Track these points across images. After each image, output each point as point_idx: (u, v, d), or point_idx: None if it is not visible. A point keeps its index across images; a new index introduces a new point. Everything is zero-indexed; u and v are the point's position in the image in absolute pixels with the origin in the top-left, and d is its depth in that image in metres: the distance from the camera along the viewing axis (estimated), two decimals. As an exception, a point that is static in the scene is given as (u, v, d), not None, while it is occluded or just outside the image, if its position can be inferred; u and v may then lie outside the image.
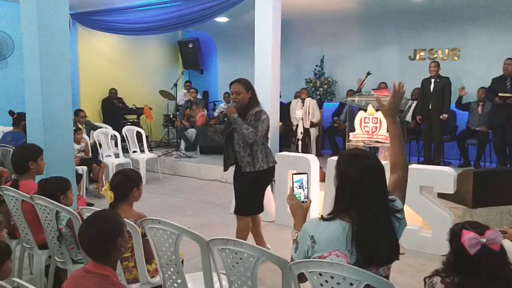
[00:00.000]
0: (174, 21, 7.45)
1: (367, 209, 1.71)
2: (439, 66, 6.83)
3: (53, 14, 4.02)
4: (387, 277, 1.78)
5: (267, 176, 3.81)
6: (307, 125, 6.93)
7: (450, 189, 4.17)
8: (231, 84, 3.77)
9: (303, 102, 7.77)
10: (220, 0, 6.64)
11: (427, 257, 3.98)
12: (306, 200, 2.08)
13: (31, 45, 3.99)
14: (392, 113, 2.03)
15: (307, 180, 2.12)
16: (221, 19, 8.38)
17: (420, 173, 4.29)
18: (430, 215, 4.24)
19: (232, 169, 3.89)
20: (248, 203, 3.78)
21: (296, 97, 8.35)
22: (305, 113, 6.90)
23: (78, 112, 7.24)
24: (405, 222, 1.84)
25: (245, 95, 3.70)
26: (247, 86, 3.74)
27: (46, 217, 2.88)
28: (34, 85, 4.00)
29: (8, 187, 3.11)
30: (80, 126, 7.18)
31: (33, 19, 3.92)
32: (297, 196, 2.06)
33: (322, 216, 1.82)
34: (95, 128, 7.52)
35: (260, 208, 3.90)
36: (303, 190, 2.09)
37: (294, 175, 2.11)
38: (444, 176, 4.17)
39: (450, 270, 1.71)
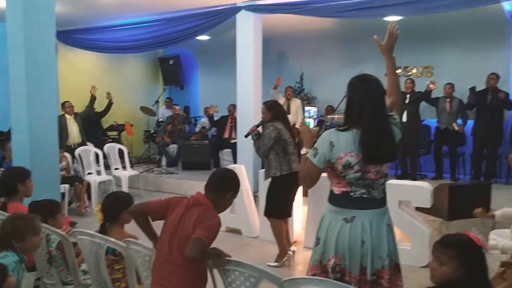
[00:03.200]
0: (156, 40, 7.53)
1: (370, 119, 2.16)
2: (414, 83, 7.13)
3: (40, 37, 4.08)
4: (386, 175, 2.26)
5: (281, 183, 4.30)
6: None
7: (427, 204, 4.35)
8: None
9: (288, 101, 7.88)
10: (203, 20, 6.78)
11: (407, 269, 4.08)
12: (314, 128, 2.46)
13: (18, 68, 4.04)
14: (389, 50, 2.51)
15: (317, 112, 2.51)
16: (203, 37, 8.50)
17: (399, 188, 4.46)
18: (408, 229, 4.41)
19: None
20: (269, 206, 4.41)
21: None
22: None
23: (64, 104, 7.30)
24: (399, 132, 2.30)
25: (267, 115, 4.34)
26: (270, 107, 4.38)
27: (37, 239, 2.90)
28: (20, 107, 4.03)
29: (-3, 210, 3.13)
30: (69, 117, 7.20)
31: (20, 43, 3.97)
32: (307, 124, 2.45)
33: (339, 127, 2.25)
34: (85, 115, 7.74)
35: (279, 213, 4.39)
36: (313, 120, 2.51)
37: (305, 107, 2.51)
38: (421, 191, 4.36)
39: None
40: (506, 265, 2.56)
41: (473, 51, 7.65)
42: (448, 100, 7.07)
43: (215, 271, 2.20)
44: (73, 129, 7.32)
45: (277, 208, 4.37)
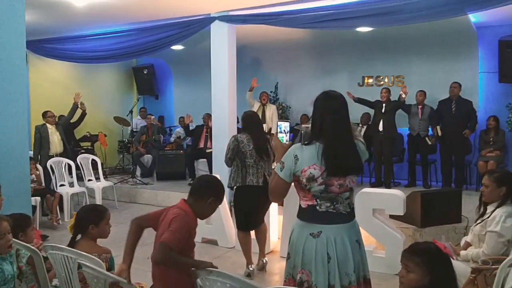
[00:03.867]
0: (129, 50, 7.46)
1: (331, 133, 2.22)
2: (389, 92, 7.30)
3: (10, 48, 3.98)
4: (351, 189, 2.29)
5: (238, 195, 4.40)
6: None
7: (400, 211, 4.42)
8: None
9: (263, 106, 7.94)
10: (176, 30, 6.76)
11: (382, 277, 4.18)
12: (286, 142, 2.47)
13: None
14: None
15: (288, 127, 2.52)
16: (177, 46, 8.49)
17: (372, 196, 4.54)
18: (383, 236, 4.47)
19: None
20: (233, 217, 4.55)
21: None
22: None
23: (45, 113, 7.15)
24: (365, 150, 2.36)
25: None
26: (241, 118, 4.50)
27: (6, 255, 2.82)
28: (-11, 118, 3.92)
29: (-36, 226, 3.02)
30: (50, 126, 7.05)
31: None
32: (280, 138, 2.46)
33: (304, 142, 2.32)
34: (65, 123, 7.66)
35: (238, 225, 4.46)
36: (285, 134, 2.51)
37: (278, 122, 2.52)
38: (394, 199, 4.43)
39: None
40: (476, 272, 2.63)
41: (441, 61, 7.88)
42: (420, 107, 7.22)
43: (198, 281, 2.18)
44: (55, 139, 7.18)
45: (237, 220, 4.46)
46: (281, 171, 2.28)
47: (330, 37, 7.90)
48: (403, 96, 7.07)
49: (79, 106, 7.81)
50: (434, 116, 7.12)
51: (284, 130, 2.31)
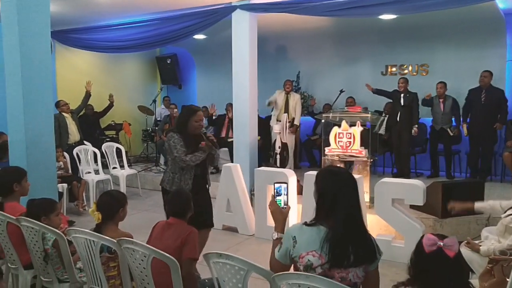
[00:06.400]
0: (152, 40, 7.55)
1: (341, 218, 1.97)
2: (407, 82, 7.12)
3: (35, 37, 4.11)
4: (355, 284, 1.97)
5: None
6: (285, 140, 7.12)
7: (420, 201, 4.39)
8: (198, 111, 3.82)
9: (287, 95, 7.90)
10: (198, 19, 6.80)
11: (400, 267, 4.17)
12: (285, 206, 2.33)
13: (13, 68, 4.07)
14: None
15: (287, 189, 2.36)
16: (199, 36, 8.53)
17: (392, 186, 4.52)
18: (402, 226, 4.46)
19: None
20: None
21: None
22: (283, 128, 7.09)
23: (58, 103, 7.28)
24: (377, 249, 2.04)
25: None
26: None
27: (32, 238, 2.95)
28: (16, 107, 4.06)
29: (-6, 209, 3.17)
30: (66, 115, 7.23)
31: (15, 42, 4.00)
32: (278, 202, 2.31)
33: (305, 222, 2.07)
34: (78, 111, 7.78)
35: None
36: (283, 197, 2.34)
37: (275, 184, 2.35)
38: (414, 189, 4.40)
39: (413, 280, 1.86)
40: (494, 262, 2.61)
41: (467, 49, 7.68)
42: (441, 100, 7.06)
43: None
44: (72, 127, 7.36)
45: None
46: (278, 251, 2.09)
47: (353, 25, 7.79)
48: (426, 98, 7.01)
49: (90, 93, 7.98)
50: (456, 107, 6.97)
51: (282, 193, 2.16)
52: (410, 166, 7.30)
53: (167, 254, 2.38)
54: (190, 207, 2.94)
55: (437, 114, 7.11)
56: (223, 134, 8.45)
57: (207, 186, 3.98)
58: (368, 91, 7.51)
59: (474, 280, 2.57)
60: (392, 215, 4.46)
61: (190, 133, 3.75)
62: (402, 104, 7.07)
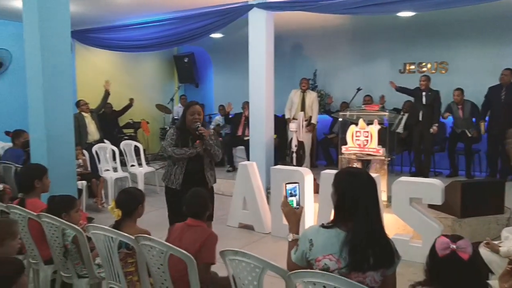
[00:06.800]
0: (170, 39, 7.61)
1: (361, 221, 1.93)
2: (429, 80, 7.01)
3: (55, 37, 4.19)
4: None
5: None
6: (301, 138, 7.09)
7: (438, 201, 4.33)
8: (193, 105, 3.88)
9: (303, 93, 7.87)
10: (215, 18, 6.83)
11: (417, 266, 4.09)
12: (298, 206, 2.29)
13: (34, 67, 4.15)
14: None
15: (299, 189, 2.32)
16: (216, 35, 8.56)
17: (410, 185, 4.47)
18: (420, 226, 4.40)
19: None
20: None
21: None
22: (299, 127, 7.06)
23: (78, 103, 7.41)
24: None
25: (203, 116, 4.10)
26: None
27: (53, 234, 3.01)
28: (37, 106, 4.15)
29: (16, 206, 3.24)
30: (86, 115, 7.36)
31: (37, 42, 4.08)
32: (290, 203, 2.27)
33: (323, 224, 2.04)
34: (97, 110, 7.89)
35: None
36: (295, 197, 2.29)
37: (286, 184, 2.31)
38: (432, 188, 4.34)
39: (430, 281, 1.84)
40: (514, 262, 2.56)
41: (488, 46, 7.55)
42: (459, 106, 7.02)
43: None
44: (91, 127, 7.47)
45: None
46: (294, 253, 2.08)
47: (370, 22, 7.73)
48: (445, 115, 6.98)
49: (109, 92, 8.13)
50: (476, 110, 6.89)
51: (295, 193, 2.14)
52: (433, 165, 7.20)
53: (184, 251, 2.40)
54: (208, 207, 2.95)
55: (457, 120, 7.09)
56: (240, 132, 8.48)
57: (208, 184, 3.93)
58: (386, 89, 7.43)
59: (494, 281, 2.53)
60: (409, 214, 4.42)
61: (188, 129, 3.80)
62: (424, 102, 6.97)
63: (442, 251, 1.74)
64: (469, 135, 6.87)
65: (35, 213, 3.09)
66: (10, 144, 6.30)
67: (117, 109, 9.12)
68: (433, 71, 8.02)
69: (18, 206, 3.22)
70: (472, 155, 7.05)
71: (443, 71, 7.92)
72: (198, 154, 3.82)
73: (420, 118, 7.03)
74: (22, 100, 4.50)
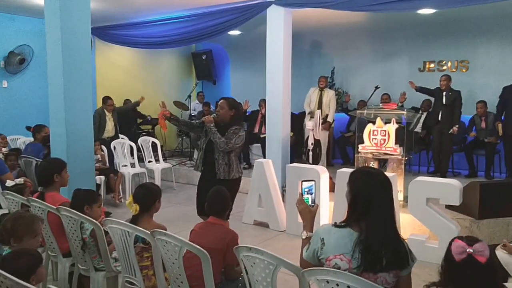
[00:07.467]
0: (189, 35, 7.65)
1: (375, 222, 1.92)
2: (450, 80, 6.87)
3: (76, 33, 4.26)
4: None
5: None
6: (318, 136, 7.07)
7: (456, 201, 4.28)
8: (219, 101, 4.25)
9: (321, 91, 7.85)
10: (234, 15, 6.84)
11: (433, 267, 4.04)
12: (313, 204, 2.29)
13: (55, 63, 4.23)
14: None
15: (315, 187, 2.33)
16: (234, 32, 8.59)
17: (427, 185, 4.42)
18: (436, 226, 4.36)
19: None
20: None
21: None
22: (316, 125, 7.04)
23: (106, 100, 7.57)
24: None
25: (226, 112, 4.15)
26: (231, 105, 4.19)
27: (71, 227, 3.08)
28: (58, 101, 4.23)
29: (35, 199, 3.32)
30: (107, 113, 7.49)
31: (58, 39, 4.16)
32: (305, 200, 2.27)
33: (335, 223, 2.03)
34: (122, 111, 8.19)
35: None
36: (311, 195, 2.30)
37: (303, 182, 2.32)
38: (450, 189, 4.29)
39: (445, 283, 1.82)
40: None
41: (509, 45, 7.38)
42: (483, 118, 6.96)
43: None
44: (109, 124, 7.59)
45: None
46: (306, 251, 2.08)
47: (389, 20, 7.63)
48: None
49: (139, 104, 8.58)
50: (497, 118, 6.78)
51: (310, 191, 2.13)
52: (452, 166, 7.10)
53: (198, 246, 2.42)
54: (229, 205, 3.01)
55: (480, 131, 7.00)
56: (256, 130, 8.49)
57: (216, 175, 4.08)
58: (405, 87, 7.35)
59: (510, 284, 2.49)
60: (426, 214, 4.37)
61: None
62: (444, 102, 6.86)
63: (458, 255, 1.72)
64: (486, 140, 6.78)
65: (54, 207, 3.16)
66: (31, 139, 6.44)
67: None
68: (454, 70, 7.88)
69: (38, 200, 3.30)
70: (492, 156, 6.92)
71: (464, 70, 7.77)
72: (211, 147, 4.13)
73: (439, 118, 6.93)
74: (43, 95, 4.59)
